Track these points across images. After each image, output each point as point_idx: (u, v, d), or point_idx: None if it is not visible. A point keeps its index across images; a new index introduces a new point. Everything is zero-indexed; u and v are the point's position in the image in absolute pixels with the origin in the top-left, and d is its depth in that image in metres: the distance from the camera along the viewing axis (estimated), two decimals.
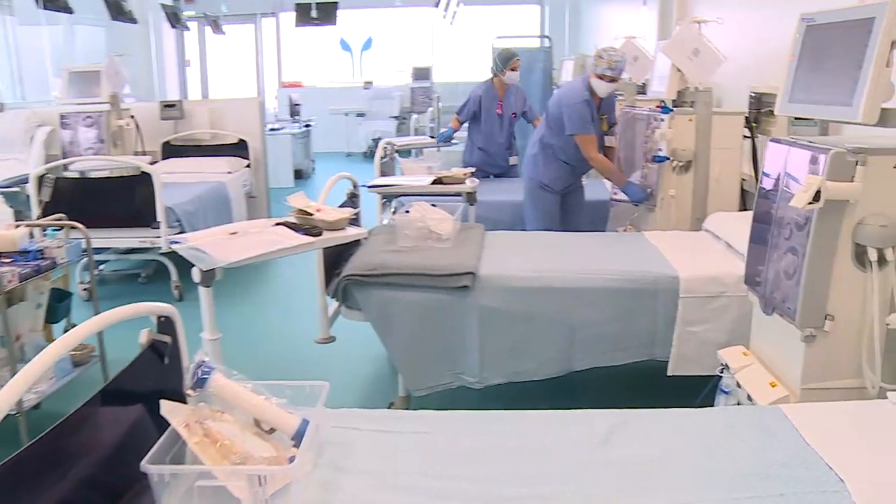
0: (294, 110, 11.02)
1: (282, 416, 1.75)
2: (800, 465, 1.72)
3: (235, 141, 6.56)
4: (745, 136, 4.03)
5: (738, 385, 2.52)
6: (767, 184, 2.53)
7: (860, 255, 2.22)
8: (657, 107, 3.96)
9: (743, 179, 4.09)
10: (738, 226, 3.58)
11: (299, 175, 10.23)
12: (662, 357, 3.17)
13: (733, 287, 3.10)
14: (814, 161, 2.26)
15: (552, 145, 4.44)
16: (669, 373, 3.16)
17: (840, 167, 2.14)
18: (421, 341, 3.11)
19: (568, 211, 4.64)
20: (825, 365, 2.29)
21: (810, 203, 2.11)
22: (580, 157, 4.33)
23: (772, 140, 2.53)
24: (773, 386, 2.40)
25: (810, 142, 2.32)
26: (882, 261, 2.19)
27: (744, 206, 4.15)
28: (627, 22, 7.36)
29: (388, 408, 3.32)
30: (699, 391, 2.93)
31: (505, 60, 5.49)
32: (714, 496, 1.64)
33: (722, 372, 2.65)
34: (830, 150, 2.15)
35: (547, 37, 8.72)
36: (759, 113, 4.02)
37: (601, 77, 4.15)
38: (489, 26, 11.57)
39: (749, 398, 2.43)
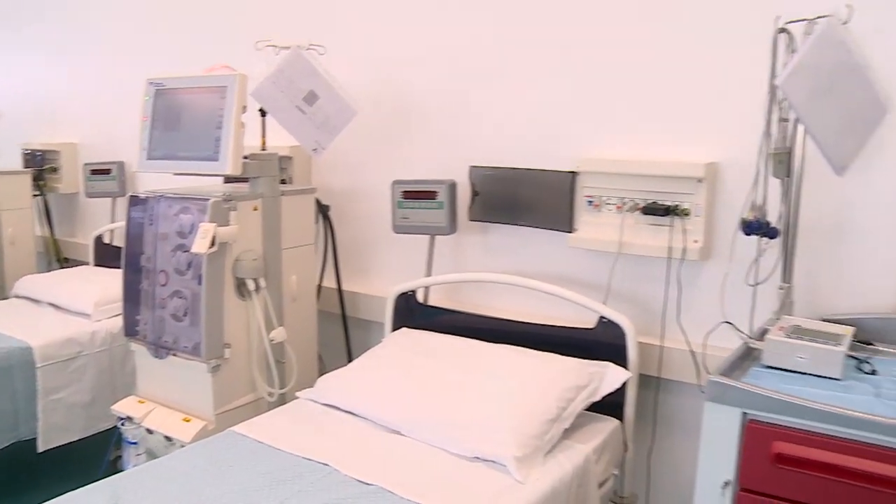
0: None
1: None
2: (293, 467, 1.98)
3: None
4: (35, 195, 3.94)
5: (150, 431, 2.59)
6: (134, 238, 2.66)
7: (240, 287, 2.58)
8: None
9: None
10: (58, 286, 3.54)
11: None
12: (30, 435, 2.95)
13: (88, 344, 3.12)
14: (186, 211, 2.52)
15: None
16: (41, 449, 2.97)
17: (219, 213, 2.45)
18: None
19: None
20: (229, 388, 2.58)
21: (210, 248, 2.37)
22: None
23: (133, 196, 2.67)
24: (187, 421, 2.56)
25: (177, 193, 2.57)
26: (258, 288, 2.59)
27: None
28: None
29: None
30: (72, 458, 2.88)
31: None
32: None
33: (123, 425, 2.66)
34: (209, 200, 2.44)
35: None
36: (42, 170, 3.97)
37: None
38: None
39: (168, 438, 2.54)
